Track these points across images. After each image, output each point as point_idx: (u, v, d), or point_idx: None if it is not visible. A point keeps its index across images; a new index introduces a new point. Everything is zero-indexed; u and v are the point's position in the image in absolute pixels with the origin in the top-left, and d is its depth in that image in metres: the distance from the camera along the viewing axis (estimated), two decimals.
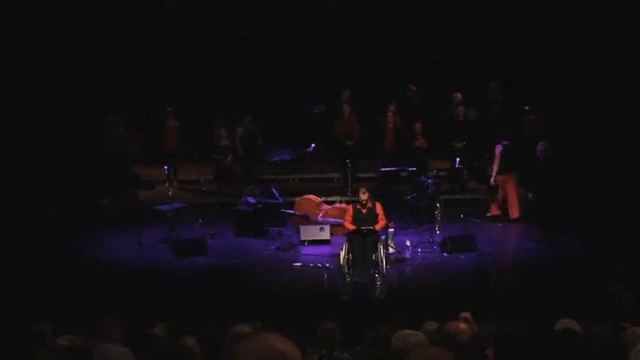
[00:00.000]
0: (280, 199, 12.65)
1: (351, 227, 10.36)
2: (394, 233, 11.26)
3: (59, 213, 12.82)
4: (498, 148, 12.72)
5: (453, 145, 14.46)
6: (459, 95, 15.10)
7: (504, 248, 11.63)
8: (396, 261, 11.04)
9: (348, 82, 15.61)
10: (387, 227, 10.86)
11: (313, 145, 14.15)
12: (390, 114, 14.48)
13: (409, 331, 4.52)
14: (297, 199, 12.79)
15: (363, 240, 10.21)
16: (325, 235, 11.94)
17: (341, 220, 11.33)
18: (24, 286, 9.81)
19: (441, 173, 13.76)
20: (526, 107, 14.65)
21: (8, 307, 8.34)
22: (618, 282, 9.19)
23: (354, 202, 10.87)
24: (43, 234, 12.00)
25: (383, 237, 10.68)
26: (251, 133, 14.42)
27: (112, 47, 15.22)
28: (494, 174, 12.75)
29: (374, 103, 15.29)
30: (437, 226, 12.20)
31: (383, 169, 13.97)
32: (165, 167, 13.16)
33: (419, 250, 11.47)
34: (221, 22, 16.11)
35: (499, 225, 12.74)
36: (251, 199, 12.57)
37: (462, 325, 4.66)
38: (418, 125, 14.16)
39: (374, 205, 10.47)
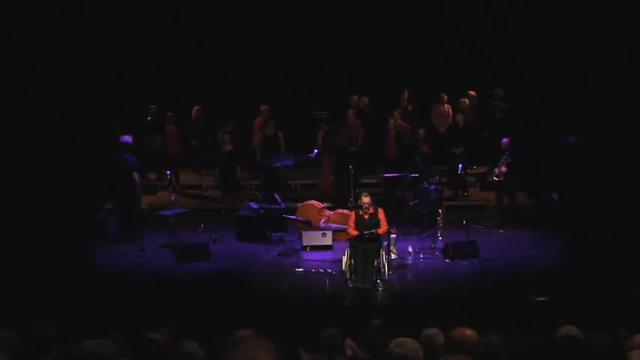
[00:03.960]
0: (282, 205, 12.66)
1: (355, 233, 10.36)
2: (396, 239, 11.27)
3: (61, 218, 12.82)
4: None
5: (453, 151, 14.49)
6: (467, 101, 15.20)
7: (506, 255, 11.60)
8: (398, 267, 11.05)
9: (351, 88, 15.64)
10: (389, 233, 10.87)
11: (316, 150, 14.17)
12: (391, 120, 14.51)
13: (406, 339, 4.53)
14: (300, 204, 12.80)
15: (365, 246, 10.21)
16: (327, 240, 11.96)
17: (343, 226, 11.34)
18: (26, 290, 9.81)
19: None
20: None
21: (10, 312, 8.34)
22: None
23: (356, 208, 10.88)
24: (46, 239, 12.01)
25: (385, 243, 10.67)
26: (272, 139, 14.41)
27: (114, 49, 15.22)
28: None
29: (378, 109, 15.33)
30: (439, 232, 12.20)
31: (385, 175, 13.98)
32: (168, 172, 13.17)
33: (421, 256, 11.48)
34: (220, 25, 16.13)
35: (501, 231, 12.74)
36: (253, 205, 12.58)
37: (468, 332, 4.67)
38: (421, 131, 14.18)
39: (376, 211, 10.46)
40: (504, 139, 12.96)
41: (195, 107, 15.31)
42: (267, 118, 14.69)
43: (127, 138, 12.46)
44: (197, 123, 15.28)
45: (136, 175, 12.27)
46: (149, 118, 15.05)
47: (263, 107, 15.07)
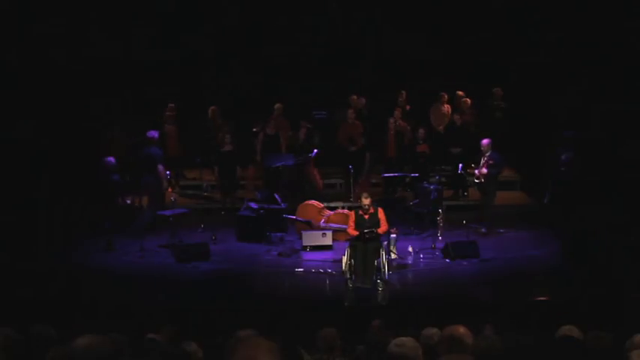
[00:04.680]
0: (283, 205, 12.66)
1: (355, 233, 10.35)
2: (396, 239, 11.26)
3: (61, 218, 12.83)
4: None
5: (451, 151, 14.48)
6: (468, 101, 15.19)
7: (507, 255, 11.59)
8: (398, 267, 11.04)
9: (351, 88, 15.63)
10: (389, 233, 10.86)
11: (315, 150, 14.16)
12: (391, 120, 14.50)
13: (406, 338, 4.52)
14: (300, 204, 12.79)
15: (365, 246, 10.20)
16: (327, 240, 11.95)
17: (343, 226, 11.34)
18: (26, 289, 9.81)
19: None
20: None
21: (10, 310, 8.34)
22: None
23: (356, 208, 10.87)
24: (46, 238, 12.01)
25: (385, 243, 10.67)
26: (273, 139, 14.35)
27: (114, 49, 15.20)
28: None
29: (378, 109, 15.32)
30: (439, 232, 12.18)
31: (385, 175, 13.98)
32: (168, 172, 13.16)
33: (421, 256, 11.47)
34: (218, 24, 16.12)
35: (501, 231, 12.73)
36: (253, 205, 12.57)
37: (462, 329, 4.67)
38: (421, 131, 14.18)
39: (376, 211, 10.46)
40: (484, 140, 12.55)
41: (212, 107, 15.20)
42: (282, 116, 14.72)
43: (154, 133, 12.66)
44: (214, 123, 15.19)
45: (161, 167, 12.39)
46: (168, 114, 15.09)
47: (277, 105, 15.02)
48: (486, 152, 12.49)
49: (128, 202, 12.66)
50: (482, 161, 12.53)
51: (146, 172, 12.43)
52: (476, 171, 12.65)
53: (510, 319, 8.20)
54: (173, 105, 15.14)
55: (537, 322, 7.46)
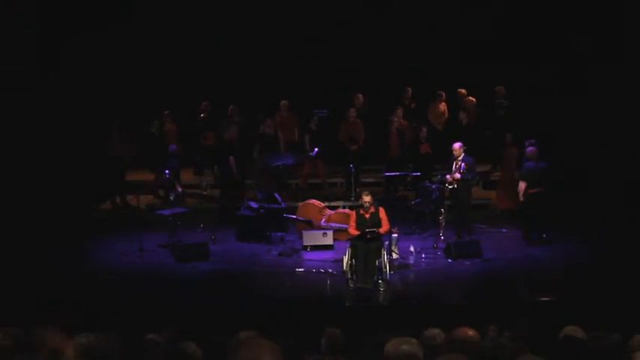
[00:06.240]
0: (283, 204, 12.63)
1: (356, 233, 10.31)
2: (398, 239, 11.24)
3: (60, 218, 12.79)
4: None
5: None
6: (473, 99, 15.13)
7: (509, 254, 11.55)
8: (399, 267, 11.00)
9: (352, 87, 15.59)
10: (390, 232, 10.83)
11: (316, 149, 14.13)
12: (395, 119, 14.45)
13: (401, 338, 4.46)
14: (300, 204, 12.77)
15: (366, 246, 10.16)
16: (328, 240, 11.92)
17: (344, 226, 11.31)
18: (25, 291, 9.78)
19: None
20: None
21: (10, 310, 8.31)
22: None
23: (357, 208, 10.84)
24: (45, 239, 11.97)
25: (387, 242, 10.63)
26: (271, 138, 14.30)
27: (109, 46, 15.16)
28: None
29: (381, 108, 15.29)
30: (441, 231, 12.14)
31: (387, 174, 13.94)
32: (167, 171, 13.14)
33: (423, 255, 11.43)
34: (219, 23, 16.10)
35: (504, 230, 12.69)
36: (253, 204, 12.54)
37: (469, 331, 4.63)
38: (424, 130, 14.14)
39: (377, 210, 10.42)
40: (456, 144, 11.96)
41: (231, 106, 15.12)
42: (288, 113, 14.70)
43: (232, 133, 13.71)
44: (231, 121, 15.08)
45: (232, 158, 13.27)
46: (202, 114, 15.04)
47: (283, 102, 14.95)
48: (459, 156, 11.89)
49: (180, 190, 13.02)
50: (455, 166, 11.93)
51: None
52: (447, 176, 11.96)
53: (511, 319, 8.16)
54: (207, 103, 15.13)
55: (540, 322, 7.41)
